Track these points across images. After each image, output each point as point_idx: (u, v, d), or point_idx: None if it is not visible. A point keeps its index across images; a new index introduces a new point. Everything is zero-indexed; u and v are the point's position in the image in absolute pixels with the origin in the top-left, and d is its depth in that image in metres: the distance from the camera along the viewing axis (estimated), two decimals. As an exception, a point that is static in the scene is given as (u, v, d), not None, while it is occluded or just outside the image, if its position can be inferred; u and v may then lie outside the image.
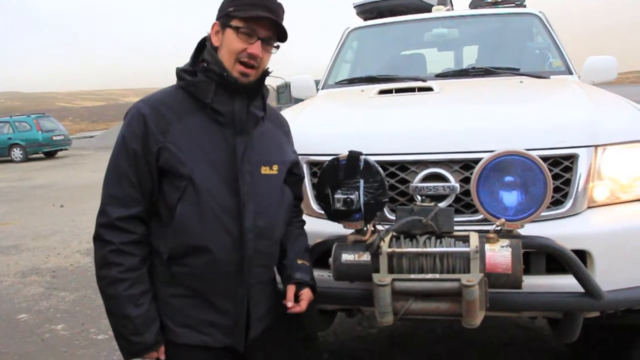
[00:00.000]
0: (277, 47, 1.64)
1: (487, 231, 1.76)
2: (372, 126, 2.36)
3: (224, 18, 1.60)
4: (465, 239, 1.74)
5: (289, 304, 1.71)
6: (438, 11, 4.27)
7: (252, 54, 1.56)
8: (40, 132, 20.84)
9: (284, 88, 16.21)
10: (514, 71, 3.32)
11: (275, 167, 1.70)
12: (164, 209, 1.57)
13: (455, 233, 1.79)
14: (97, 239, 1.57)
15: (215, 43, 1.61)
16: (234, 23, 1.57)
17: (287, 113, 2.96)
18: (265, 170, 1.66)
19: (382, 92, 2.93)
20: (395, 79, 3.40)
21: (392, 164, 2.10)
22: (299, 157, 2.23)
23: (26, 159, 20.66)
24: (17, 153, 20.73)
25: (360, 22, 4.60)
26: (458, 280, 1.59)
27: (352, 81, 3.66)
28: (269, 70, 1.65)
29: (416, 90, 2.89)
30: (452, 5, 5.32)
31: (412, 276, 1.66)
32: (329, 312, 2.36)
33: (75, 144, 26.82)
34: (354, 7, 5.02)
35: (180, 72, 1.64)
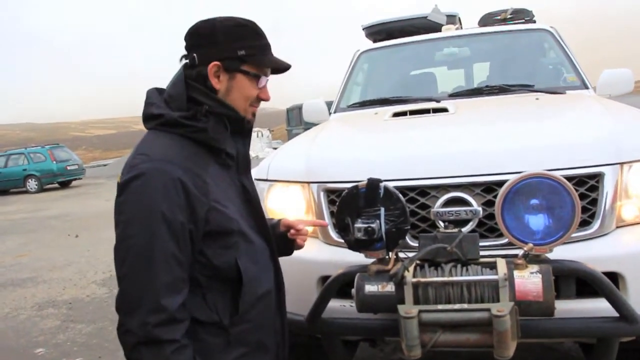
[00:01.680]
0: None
1: (514, 256, 1.70)
2: (389, 151, 2.31)
3: (231, 61, 1.45)
4: (493, 266, 1.68)
5: (300, 225, 1.74)
6: (448, 30, 4.25)
7: (264, 99, 1.52)
8: (54, 162, 21.04)
9: (294, 110, 16.21)
10: (528, 88, 3.28)
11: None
12: (205, 275, 1.40)
13: (482, 260, 1.73)
14: (152, 342, 1.27)
15: (216, 86, 1.45)
16: (247, 69, 1.46)
17: (302, 139, 2.94)
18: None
19: (396, 114, 2.91)
20: (407, 100, 3.37)
21: (412, 189, 2.05)
22: (315, 184, 2.25)
23: (41, 189, 20.82)
24: (32, 184, 20.91)
25: (370, 44, 4.60)
26: (488, 310, 1.53)
27: (364, 104, 3.65)
28: None
29: (431, 111, 2.85)
30: (460, 24, 5.30)
31: (440, 307, 1.61)
32: (352, 343, 2.30)
33: (89, 172, 27.03)
34: (363, 29, 5.01)
35: (178, 120, 1.40)
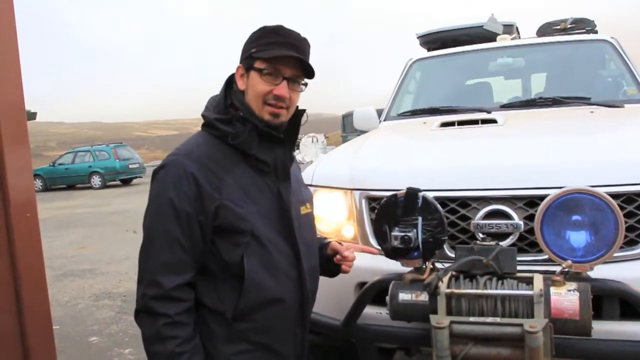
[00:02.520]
0: (305, 84, 1.56)
1: (553, 272, 1.67)
2: (432, 161, 2.31)
3: (247, 60, 1.51)
4: (529, 281, 1.66)
5: (346, 252, 1.71)
6: (503, 40, 4.18)
7: (278, 96, 1.48)
8: (117, 160, 21.92)
9: (348, 117, 16.22)
10: (584, 100, 3.18)
11: (308, 205, 1.69)
12: (219, 267, 1.47)
13: (518, 274, 1.71)
14: (148, 312, 1.41)
15: (241, 87, 1.53)
16: (257, 65, 1.49)
17: (348, 146, 2.97)
18: (303, 210, 1.64)
19: (444, 124, 2.89)
20: (458, 110, 3.34)
21: (453, 200, 2.04)
22: (358, 192, 2.27)
23: (104, 186, 21.72)
24: (96, 180, 21.84)
25: (424, 52, 4.58)
26: (521, 325, 1.52)
27: (414, 113, 3.63)
28: (302, 109, 1.60)
29: (479, 122, 2.82)
30: (518, 34, 5.19)
31: (472, 319, 1.60)
32: (387, 350, 2.30)
33: (149, 171, 27.94)
34: (417, 37, 5.00)
35: (213, 122, 1.51)
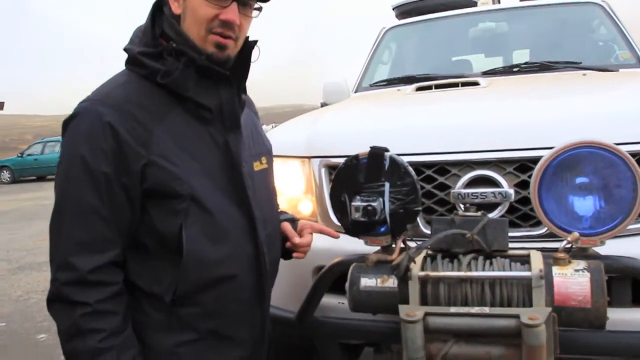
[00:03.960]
0: (259, 9, 1.28)
1: (554, 250, 1.32)
2: (404, 121, 1.97)
3: None
4: (525, 260, 1.31)
5: (296, 239, 1.47)
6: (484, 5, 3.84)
7: (227, 21, 1.19)
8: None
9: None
10: (575, 65, 2.85)
11: (264, 160, 1.43)
12: (154, 241, 1.21)
13: (511, 252, 1.36)
14: (60, 301, 1.15)
15: (175, 11, 1.23)
16: None
17: (309, 115, 2.61)
18: (257, 166, 1.39)
19: (420, 88, 2.55)
20: (437, 78, 2.99)
21: (429, 165, 1.70)
22: (317, 160, 1.91)
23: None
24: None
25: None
26: (516, 316, 1.15)
27: (389, 82, 3.28)
28: (253, 40, 1.30)
29: (459, 85, 2.48)
30: (499, 1, 4.85)
31: (453, 310, 1.23)
32: (352, 347, 1.95)
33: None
34: (393, 9, 4.65)
35: (138, 57, 1.21)
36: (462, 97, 2.26)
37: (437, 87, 2.50)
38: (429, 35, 3.77)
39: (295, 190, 1.98)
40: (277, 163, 1.98)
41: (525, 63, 2.98)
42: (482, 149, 1.65)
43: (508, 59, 3.69)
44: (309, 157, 1.94)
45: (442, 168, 1.69)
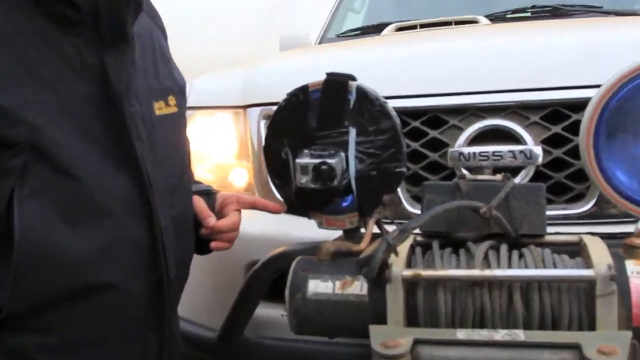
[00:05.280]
0: None
1: (621, 236, 0.92)
2: (380, 54, 1.61)
3: None
4: (574, 250, 0.90)
5: (210, 220, 1.10)
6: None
7: None
8: None
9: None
10: (594, 9, 2.50)
11: (172, 101, 1.05)
12: None
13: (551, 238, 0.94)
14: None
15: None
16: None
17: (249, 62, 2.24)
18: (160, 108, 1.02)
19: (400, 29, 2.18)
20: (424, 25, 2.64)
21: (416, 113, 1.32)
22: (256, 109, 1.52)
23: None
24: None
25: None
26: (575, 347, 0.72)
27: (363, 31, 2.83)
28: None
29: (453, 24, 2.11)
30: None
31: (461, 335, 0.79)
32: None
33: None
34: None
35: None
36: (459, 34, 1.89)
37: (423, 26, 2.12)
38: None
39: (224, 154, 1.59)
40: (197, 118, 1.64)
41: (533, 6, 2.62)
42: (494, 89, 1.28)
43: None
44: (245, 107, 1.54)
45: (436, 117, 1.31)
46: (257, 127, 1.49)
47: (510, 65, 1.32)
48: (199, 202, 1.14)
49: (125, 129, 0.91)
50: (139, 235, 0.93)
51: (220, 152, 1.61)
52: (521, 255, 0.88)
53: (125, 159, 0.91)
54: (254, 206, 1.20)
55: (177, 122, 1.07)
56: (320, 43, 3.01)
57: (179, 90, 1.10)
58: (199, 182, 1.25)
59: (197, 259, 1.15)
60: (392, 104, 1.23)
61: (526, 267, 0.85)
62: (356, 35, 2.85)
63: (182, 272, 1.08)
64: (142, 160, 0.92)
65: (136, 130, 0.92)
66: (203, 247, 1.15)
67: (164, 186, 0.98)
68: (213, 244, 1.13)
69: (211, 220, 1.10)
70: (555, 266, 0.84)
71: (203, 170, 1.61)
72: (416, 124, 1.31)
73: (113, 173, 0.90)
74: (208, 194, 1.18)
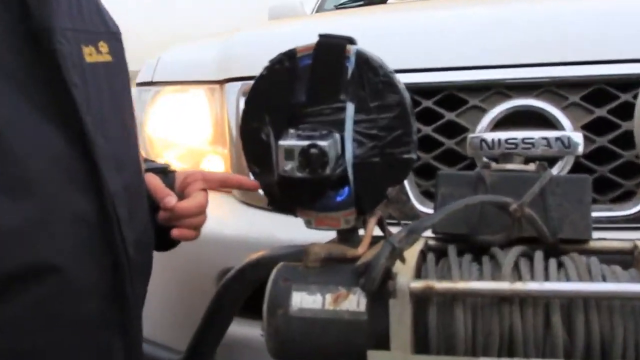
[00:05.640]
0: None
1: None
2: (384, 21, 1.59)
3: None
4: (627, 259, 0.85)
5: (170, 200, 1.06)
6: None
7: None
8: None
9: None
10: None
11: (104, 48, 0.98)
12: None
13: (597, 244, 0.89)
14: None
15: None
16: None
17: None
18: (91, 54, 0.95)
19: None
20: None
21: (429, 91, 1.31)
22: (236, 84, 1.49)
23: None
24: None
25: None
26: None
27: (369, 2, 2.87)
28: None
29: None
30: None
31: (484, 365, 0.73)
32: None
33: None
34: None
35: None
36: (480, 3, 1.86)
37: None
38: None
39: (197, 139, 1.60)
40: (165, 96, 1.63)
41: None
42: (524, 62, 1.27)
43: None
44: (222, 82, 1.52)
45: (452, 96, 1.30)
46: (235, 105, 1.46)
47: (545, 33, 1.29)
48: (153, 180, 1.08)
49: (57, 71, 0.85)
50: (83, 204, 0.87)
51: (192, 135, 1.61)
52: (561, 265, 0.83)
53: (60, 110, 0.85)
54: (224, 184, 1.16)
55: (114, 73, 1.02)
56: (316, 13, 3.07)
57: (111, 35, 1.05)
58: (152, 161, 1.20)
59: (158, 265, 1.09)
60: (405, 78, 1.21)
61: (568, 279, 0.79)
62: (358, 4, 2.89)
63: (144, 255, 1.03)
64: (82, 111, 0.86)
65: (68, 74, 0.86)
66: (163, 239, 1.09)
67: (107, 146, 0.91)
68: (175, 232, 1.08)
69: (171, 199, 1.05)
70: (604, 279, 0.79)
71: (171, 158, 1.61)
72: (428, 104, 1.29)
73: (44, 127, 0.84)
74: (164, 172, 1.13)
